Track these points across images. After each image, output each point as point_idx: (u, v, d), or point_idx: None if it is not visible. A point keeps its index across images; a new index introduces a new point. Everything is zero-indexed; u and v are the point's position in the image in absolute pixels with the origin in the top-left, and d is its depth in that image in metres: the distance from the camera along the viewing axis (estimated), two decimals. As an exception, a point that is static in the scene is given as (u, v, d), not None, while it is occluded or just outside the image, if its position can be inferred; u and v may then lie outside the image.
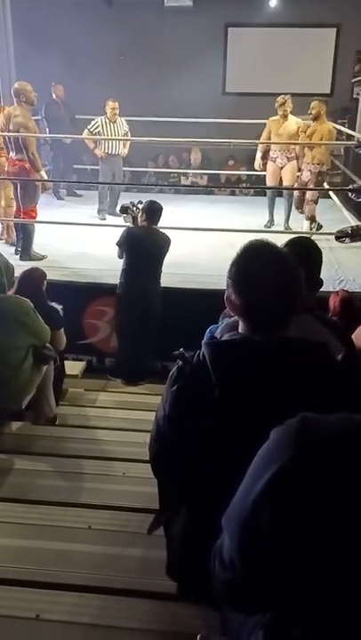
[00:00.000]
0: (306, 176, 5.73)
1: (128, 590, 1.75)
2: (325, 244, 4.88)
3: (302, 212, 5.88)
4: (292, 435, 0.80)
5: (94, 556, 1.97)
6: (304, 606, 0.81)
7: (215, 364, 1.20)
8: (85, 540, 2.06)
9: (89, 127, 6.59)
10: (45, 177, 5.56)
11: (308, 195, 5.60)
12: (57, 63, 7.74)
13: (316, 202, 5.73)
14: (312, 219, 5.69)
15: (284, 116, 5.75)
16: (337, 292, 3.06)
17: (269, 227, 6.11)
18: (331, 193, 6.28)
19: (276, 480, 0.78)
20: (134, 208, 4.66)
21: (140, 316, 4.26)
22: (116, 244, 4.30)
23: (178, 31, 8.32)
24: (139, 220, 4.41)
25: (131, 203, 4.74)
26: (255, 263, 1.22)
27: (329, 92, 8.68)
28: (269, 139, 5.88)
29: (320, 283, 1.84)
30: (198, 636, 1.29)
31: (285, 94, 5.77)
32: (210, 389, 1.20)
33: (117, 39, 8.37)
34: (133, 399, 4.16)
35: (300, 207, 5.95)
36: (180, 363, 1.29)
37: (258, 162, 6.21)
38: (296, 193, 5.83)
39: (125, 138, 6.63)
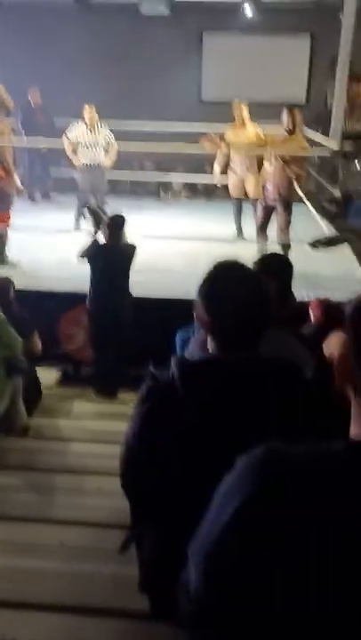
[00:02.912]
0: (273, 198, 5.14)
1: (101, 609, 1.72)
2: (300, 253, 4.91)
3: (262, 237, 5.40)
4: (256, 467, 0.78)
5: (66, 573, 1.94)
6: (273, 638, 0.80)
7: (184, 384, 1.19)
8: (57, 558, 2.03)
9: (67, 132, 6.32)
10: (18, 181, 5.47)
11: (281, 222, 5.17)
12: (34, 68, 7.68)
13: (287, 228, 5.19)
14: (286, 247, 5.06)
15: (241, 123, 5.62)
16: (317, 300, 3.04)
17: (238, 238, 5.85)
18: (305, 200, 6.29)
19: (241, 513, 0.77)
20: (99, 213, 4.63)
21: (111, 329, 4.21)
22: (80, 256, 4.23)
23: (154, 38, 8.32)
24: (104, 234, 4.32)
25: (99, 208, 4.69)
26: (224, 283, 1.22)
27: (304, 99, 8.78)
28: (228, 148, 5.68)
29: (292, 296, 1.85)
30: None
31: (250, 102, 5.70)
32: (179, 409, 1.19)
33: (95, 45, 8.33)
34: (109, 410, 4.11)
35: (260, 232, 5.37)
36: (150, 382, 1.27)
37: (216, 176, 5.98)
38: (258, 215, 5.40)
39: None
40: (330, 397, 1.35)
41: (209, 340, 1.27)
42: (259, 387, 1.17)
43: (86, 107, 6.23)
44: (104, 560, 1.99)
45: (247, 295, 1.19)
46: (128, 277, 4.23)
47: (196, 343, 1.46)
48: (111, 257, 4.19)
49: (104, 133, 6.29)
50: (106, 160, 6.32)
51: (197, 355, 1.27)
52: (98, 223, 4.42)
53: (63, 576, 1.92)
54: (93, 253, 4.17)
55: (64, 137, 6.33)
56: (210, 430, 1.19)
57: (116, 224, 4.21)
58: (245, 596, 0.81)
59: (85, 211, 5.53)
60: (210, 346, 1.27)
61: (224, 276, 1.23)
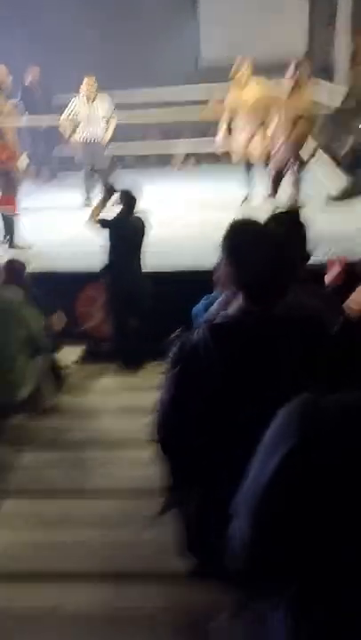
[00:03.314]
0: (283, 156, 5.14)
1: (142, 575, 1.76)
2: (310, 214, 4.82)
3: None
4: (298, 416, 0.82)
5: (105, 542, 1.98)
6: (325, 585, 0.82)
7: (216, 342, 1.23)
8: (94, 528, 2.07)
9: (66, 113, 6.11)
10: (25, 162, 5.43)
11: (292, 179, 5.18)
12: (27, 45, 7.54)
13: (298, 185, 5.21)
14: (297, 203, 5.05)
15: (244, 81, 5.38)
16: (335, 259, 2.97)
17: (246, 201, 5.71)
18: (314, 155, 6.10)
19: (286, 462, 0.80)
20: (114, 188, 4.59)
21: (130, 302, 4.25)
22: (101, 225, 4.22)
23: (148, 1, 8.11)
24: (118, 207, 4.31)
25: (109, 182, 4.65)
26: (245, 236, 1.28)
27: (307, 50, 8.52)
28: (232, 110, 5.46)
29: (308, 255, 1.85)
30: (210, 625, 1.29)
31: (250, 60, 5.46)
32: (212, 367, 1.22)
33: (87, 13, 8.12)
34: (133, 383, 4.15)
35: (272, 188, 5.36)
36: (180, 344, 1.29)
37: (218, 142, 5.68)
38: (271, 172, 5.33)
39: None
40: (355, 352, 1.37)
41: (235, 299, 1.28)
42: (285, 343, 1.22)
43: (85, 79, 6.05)
44: (141, 527, 2.03)
45: (268, 247, 1.24)
46: (141, 249, 4.25)
47: (219, 304, 1.47)
48: (128, 229, 4.21)
49: (103, 106, 6.12)
50: (105, 135, 6.17)
51: (222, 314, 1.30)
52: (109, 196, 4.37)
53: (102, 545, 1.97)
54: (112, 225, 4.19)
55: (63, 116, 6.17)
56: (239, 387, 1.23)
57: (131, 197, 4.22)
58: (295, 540, 0.83)
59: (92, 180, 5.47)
60: (235, 303, 1.28)
61: (244, 230, 1.28)
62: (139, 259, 4.27)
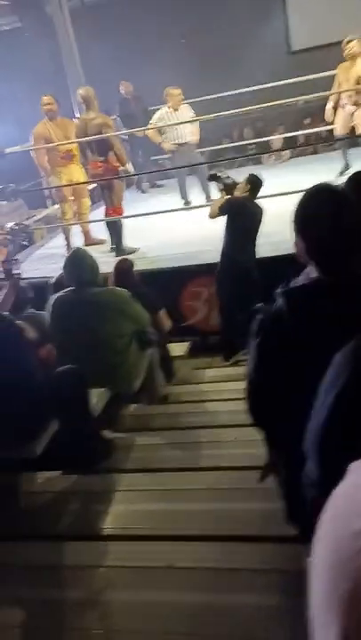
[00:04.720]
0: None
1: (248, 536, 1.86)
2: None
3: None
4: (351, 355, 0.87)
5: (215, 511, 2.11)
6: None
7: (290, 309, 1.27)
8: (205, 499, 2.21)
9: (151, 121, 6.42)
10: (132, 170, 5.73)
11: None
12: (123, 57, 7.95)
13: None
14: None
15: (352, 58, 5.55)
16: None
17: (343, 173, 5.80)
18: None
19: (341, 397, 0.86)
20: (224, 177, 4.63)
21: (246, 287, 4.16)
22: (219, 210, 4.22)
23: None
24: (239, 189, 4.29)
25: (218, 171, 4.72)
26: (313, 205, 1.27)
27: None
28: (340, 86, 5.69)
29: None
30: None
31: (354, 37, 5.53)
32: (288, 335, 1.27)
33: (179, 20, 8.38)
34: (238, 372, 4.24)
35: None
36: (259, 315, 1.37)
37: (328, 112, 5.97)
38: None
39: (187, 120, 6.23)
40: None
41: (309, 267, 1.33)
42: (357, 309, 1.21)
43: (171, 90, 6.32)
44: (249, 498, 2.13)
45: (337, 214, 1.23)
46: (257, 236, 4.24)
47: (300, 276, 1.52)
48: (250, 213, 4.21)
49: (188, 113, 6.35)
50: (193, 137, 6.38)
51: (296, 282, 1.35)
52: (226, 185, 4.39)
53: (212, 513, 2.10)
54: (234, 208, 4.19)
55: (149, 125, 6.47)
56: (318, 352, 1.25)
57: (258, 181, 4.27)
58: None
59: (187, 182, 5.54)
60: (311, 272, 1.33)
61: (313, 199, 1.29)
62: (254, 245, 4.24)
